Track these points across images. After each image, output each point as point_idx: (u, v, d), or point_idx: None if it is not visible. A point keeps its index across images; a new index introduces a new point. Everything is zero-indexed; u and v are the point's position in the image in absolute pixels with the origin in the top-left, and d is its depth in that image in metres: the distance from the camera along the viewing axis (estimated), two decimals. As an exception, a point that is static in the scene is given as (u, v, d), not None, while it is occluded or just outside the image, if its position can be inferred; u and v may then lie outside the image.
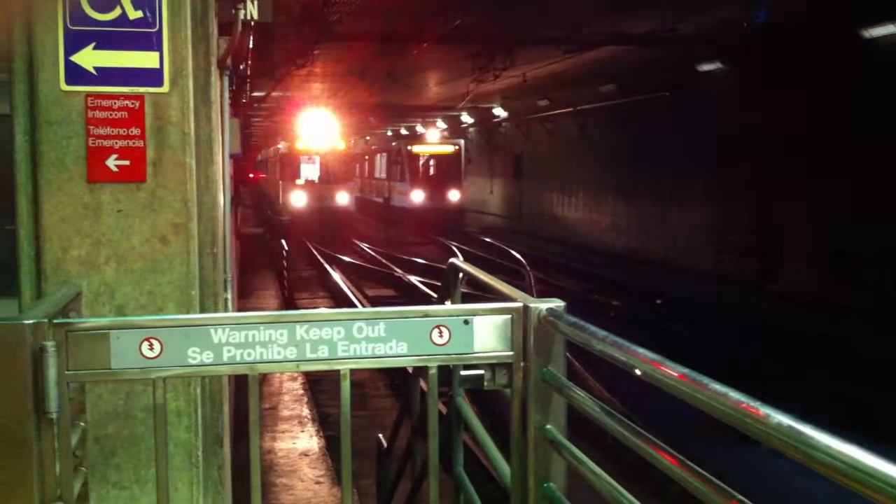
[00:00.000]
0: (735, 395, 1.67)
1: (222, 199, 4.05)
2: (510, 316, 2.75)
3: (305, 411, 9.87)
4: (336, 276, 22.36)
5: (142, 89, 3.43)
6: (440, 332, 2.69)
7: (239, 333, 2.56)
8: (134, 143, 3.43)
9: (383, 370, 12.77)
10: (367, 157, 47.38)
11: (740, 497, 1.69)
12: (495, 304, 2.79)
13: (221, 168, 4.08)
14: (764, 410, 1.57)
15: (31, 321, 2.39)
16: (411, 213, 36.52)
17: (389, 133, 53.01)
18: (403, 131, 49.67)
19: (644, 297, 18.83)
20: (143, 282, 3.45)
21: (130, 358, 2.49)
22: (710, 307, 17.43)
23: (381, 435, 6.57)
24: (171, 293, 3.47)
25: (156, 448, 2.61)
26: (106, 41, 3.38)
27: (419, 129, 43.32)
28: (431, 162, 37.86)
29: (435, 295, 17.96)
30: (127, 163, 3.42)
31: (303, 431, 9.11)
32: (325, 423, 10.01)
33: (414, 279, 21.42)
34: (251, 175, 53.54)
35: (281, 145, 38.38)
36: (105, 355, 2.48)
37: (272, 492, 7.41)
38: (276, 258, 22.59)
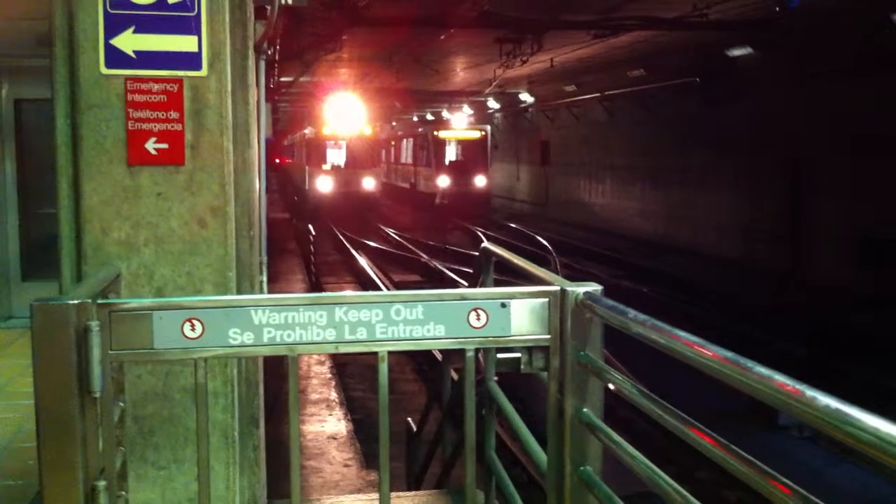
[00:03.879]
0: (780, 377, 1.68)
1: (258, 182, 4.08)
2: (547, 299, 2.75)
3: (333, 395, 9.92)
4: (362, 260, 22.44)
5: (180, 73, 3.46)
6: (477, 315, 2.70)
7: (279, 315, 2.58)
8: (172, 126, 3.45)
9: (410, 354, 12.83)
10: (393, 143, 47.39)
11: (784, 480, 1.69)
12: (532, 288, 2.79)
13: (257, 151, 4.10)
14: (810, 393, 1.57)
15: (75, 301, 2.42)
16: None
17: (415, 118, 52.98)
18: (429, 117, 49.62)
19: (672, 285, 18.77)
20: (181, 263, 3.48)
21: (172, 338, 2.52)
22: (736, 295, 17.34)
23: (409, 419, 6.61)
24: (208, 275, 3.50)
25: (197, 427, 2.64)
26: (145, 25, 3.41)
27: (445, 114, 43.26)
28: (458, 147, 37.82)
29: (462, 280, 17.98)
30: (165, 146, 3.45)
31: (331, 415, 9.16)
32: (353, 406, 10.07)
33: (440, 265, 21.45)
34: (277, 160, 53.77)
35: (307, 130, 38.48)
36: (147, 335, 2.51)
37: (301, 474, 7.46)
38: (303, 243, 22.67)
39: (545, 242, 23.83)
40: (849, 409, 1.47)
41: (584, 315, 2.73)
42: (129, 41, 3.40)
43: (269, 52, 11.62)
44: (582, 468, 2.77)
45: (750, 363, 1.79)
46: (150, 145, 3.43)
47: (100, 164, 3.42)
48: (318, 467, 7.69)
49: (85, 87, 3.40)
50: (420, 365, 12.91)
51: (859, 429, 1.43)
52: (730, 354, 1.88)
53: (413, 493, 5.08)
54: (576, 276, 19.22)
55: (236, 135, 3.63)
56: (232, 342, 2.56)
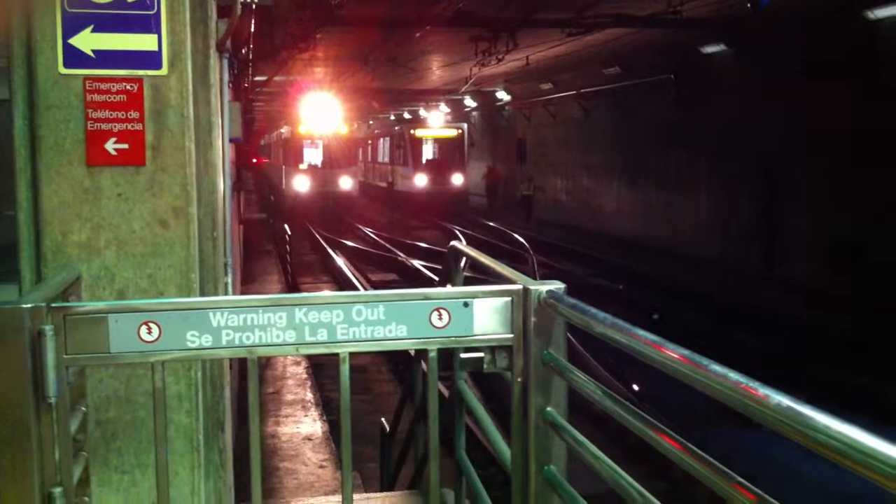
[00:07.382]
0: (735, 376, 1.67)
1: (222, 182, 4.03)
2: (510, 298, 2.73)
3: (309, 395, 9.87)
4: (339, 260, 22.37)
5: (140, 72, 3.41)
6: (440, 315, 2.67)
7: (238, 317, 2.55)
8: (133, 126, 3.41)
9: (386, 354, 12.78)
10: (370, 142, 47.31)
11: (740, 479, 1.68)
12: (495, 287, 2.77)
13: (221, 152, 4.06)
14: (763, 391, 1.56)
15: (29, 305, 2.38)
16: (415, 198, 36.48)
17: (392, 117, 52.89)
18: (406, 115, 49.55)
19: (647, 284, 18.82)
20: (143, 265, 3.44)
21: (129, 342, 2.48)
22: (712, 294, 17.41)
23: (383, 419, 6.58)
24: (171, 277, 3.46)
25: (155, 432, 2.60)
26: (104, 24, 3.36)
27: (422, 113, 43.22)
28: (434, 146, 37.81)
29: (438, 279, 17.94)
30: (126, 146, 3.40)
31: (306, 416, 9.12)
32: (329, 407, 10.02)
33: (417, 263, 21.42)
34: (254, 160, 53.50)
35: (284, 130, 38.32)
36: (104, 339, 2.47)
37: (276, 476, 7.42)
38: (280, 243, 22.59)
39: (522, 240, 23.83)
40: (802, 409, 1.46)
41: (547, 314, 2.71)
42: (87, 40, 3.35)
43: (243, 52, 11.53)
44: (547, 467, 2.75)
45: (706, 361, 1.78)
46: (110, 146, 3.38)
47: (59, 165, 3.37)
48: (293, 469, 7.64)
49: (43, 88, 3.34)
50: (396, 364, 12.87)
51: (812, 429, 1.42)
52: (686, 352, 1.87)
53: (384, 493, 5.06)
54: (552, 274, 19.24)
55: (198, 135, 3.58)
56: (190, 345, 2.52)
